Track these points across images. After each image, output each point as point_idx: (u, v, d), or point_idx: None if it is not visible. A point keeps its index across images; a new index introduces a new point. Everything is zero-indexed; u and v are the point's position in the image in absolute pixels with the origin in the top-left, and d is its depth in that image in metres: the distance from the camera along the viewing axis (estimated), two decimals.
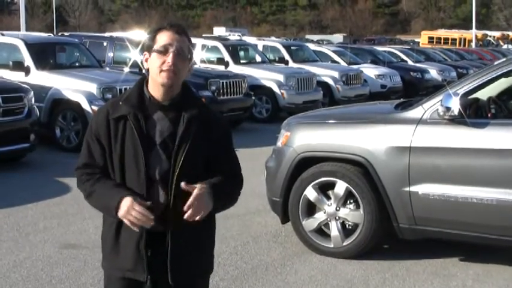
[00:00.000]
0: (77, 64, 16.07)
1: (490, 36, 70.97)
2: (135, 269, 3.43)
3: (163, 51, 3.34)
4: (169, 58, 3.32)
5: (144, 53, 3.49)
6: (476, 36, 62.13)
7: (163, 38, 3.37)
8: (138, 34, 19.98)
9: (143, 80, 3.48)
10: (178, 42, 3.36)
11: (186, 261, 3.45)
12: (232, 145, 3.61)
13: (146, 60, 3.44)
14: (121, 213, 3.30)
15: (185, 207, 3.25)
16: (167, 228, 3.39)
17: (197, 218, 3.28)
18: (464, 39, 64.67)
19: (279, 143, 7.92)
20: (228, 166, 3.54)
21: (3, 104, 11.34)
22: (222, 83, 17.03)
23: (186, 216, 3.25)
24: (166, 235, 3.40)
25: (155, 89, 3.41)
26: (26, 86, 12.34)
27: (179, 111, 3.41)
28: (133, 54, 16.63)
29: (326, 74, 22.24)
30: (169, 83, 3.35)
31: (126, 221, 3.31)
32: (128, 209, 3.27)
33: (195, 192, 3.26)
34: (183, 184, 3.28)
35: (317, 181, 7.40)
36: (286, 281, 6.68)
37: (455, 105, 6.58)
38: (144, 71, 3.49)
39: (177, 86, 3.41)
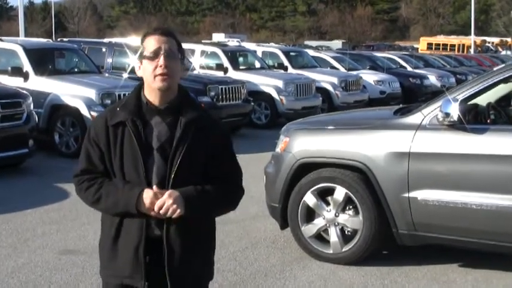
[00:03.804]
0: (76, 70, 16.07)
1: (489, 43, 71.08)
2: (133, 276, 3.42)
3: (154, 56, 3.34)
4: (160, 61, 3.32)
5: (137, 61, 3.48)
6: (475, 42, 62.22)
7: (151, 42, 3.37)
8: (137, 40, 19.95)
9: (140, 85, 3.48)
10: (167, 44, 3.36)
11: (183, 267, 3.44)
12: (232, 150, 3.59)
13: (139, 68, 3.44)
14: (147, 206, 3.30)
15: (152, 213, 3.30)
16: (163, 234, 3.38)
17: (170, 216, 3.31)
18: (463, 45, 64.78)
19: (278, 149, 7.91)
20: (225, 173, 3.53)
21: (2, 110, 11.34)
22: (221, 88, 17.04)
23: (153, 213, 3.31)
24: (162, 241, 3.39)
25: (152, 94, 3.41)
26: (24, 91, 12.34)
27: (176, 115, 3.41)
28: (132, 60, 16.61)
29: (325, 80, 22.25)
30: (165, 86, 3.35)
31: (152, 213, 3.31)
32: (152, 200, 3.29)
33: (162, 198, 3.29)
34: (154, 187, 3.31)
35: (316, 187, 7.39)
36: (285, 287, 6.67)
37: (454, 111, 6.57)
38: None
39: (173, 89, 3.41)
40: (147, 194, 3.29)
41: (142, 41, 3.42)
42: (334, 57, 27.17)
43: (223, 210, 3.61)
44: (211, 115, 3.58)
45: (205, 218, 3.54)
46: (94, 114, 12.82)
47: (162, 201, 3.27)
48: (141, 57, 3.40)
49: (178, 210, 3.28)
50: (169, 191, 3.29)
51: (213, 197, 3.44)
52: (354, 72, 24.69)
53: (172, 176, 3.34)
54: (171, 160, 3.35)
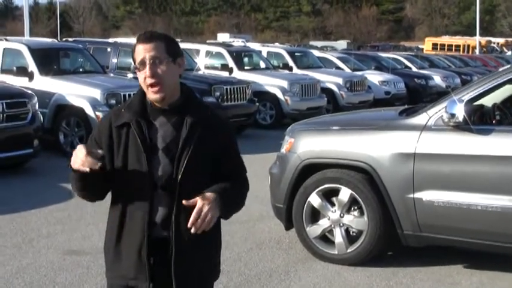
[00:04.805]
0: (81, 70, 16.07)
1: (494, 43, 70.94)
2: (138, 277, 3.40)
3: (141, 67, 3.33)
4: (147, 71, 3.31)
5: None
6: (480, 42, 62.13)
7: (138, 52, 3.35)
8: None
9: None
10: (151, 51, 3.32)
11: (190, 268, 3.42)
12: (237, 149, 3.59)
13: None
14: (72, 159, 3.29)
15: (189, 224, 3.23)
16: (171, 235, 3.36)
17: (204, 229, 3.27)
18: (468, 45, 64.64)
19: (283, 150, 7.90)
20: (233, 170, 3.53)
21: (7, 110, 11.35)
22: (226, 89, 17.04)
23: (192, 231, 3.24)
24: (170, 241, 3.37)
25: (152, 99, 3.40)
26: (29, 91, 12.34)
27: (182, 115, 3.39)
28: None
29: (330, 80, 22.24)
30: (159, 98, 3.34)
31: (77, 167, 3.28)
32: (74, 154, 3.27)
33: (197, 206, 3.24)
34: (184, 202, 3.26)
35: (321, 188, 7.38)
36: None
37: (460, 111, 6.56)
38: None
39: (170, 92, 3.38)
40: (78, 148, 3.27)
41: (133, 51, 3.41)
42: (339, 58, 27.17)
43: (240, 207, 3.59)
44: (216, 113, 3.57)
45: None
46: (99, 114, 12.84)
47: (198, 209, 3.23)
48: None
49: (214, 218, 3.29)
50: (201, 197, 3.25)
51: (236, 195, 3.48)
52: (359, 73, 24.68)
53: (180, 176, 3.33)
54: (177, 160, 3.34)
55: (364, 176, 7.15)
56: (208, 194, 3.29)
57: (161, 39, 3.38)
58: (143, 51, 3.32)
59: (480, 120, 6.94)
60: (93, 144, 3.45)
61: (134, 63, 3.39)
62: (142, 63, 3.32)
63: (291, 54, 24.20)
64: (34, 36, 39.07)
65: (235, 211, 3.56)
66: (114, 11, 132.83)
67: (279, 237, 8.21)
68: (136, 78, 14.31)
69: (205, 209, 3.24)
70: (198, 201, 3.25)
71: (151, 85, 3.31)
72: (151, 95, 3.33)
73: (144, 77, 3.32)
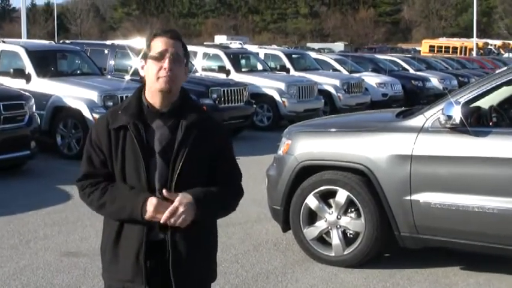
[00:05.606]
0: (78, 72, 16.05)
1: (491, 45, 71.00)
2: (135, 280, 3.40)
3: (159, 57, 3.33)
4: (165, 64, 3.31)
5: (140, 60, 3.47)
6: (477, 44, 62.17)
7: (159, 44, 3.36)
8: (140, 42, 19.92)
9: (141, 88, 3.46)
10: (174, 47, 3.35)
11: (188, 269, 3.42)
12: (233, 153, 3.59)
13: (142, 68, 3.44)
14: (150, 215, 3.28)
15: (161, 220, 3.27)
16: (167, 237, 3.36)
17: (173, 224, 3.29)
18: (466, 47, 64.68)
19: (280, 151, 7.91)
20: (228, 173, 3.53)
21: (4, 112, 11.34)
22: (223, 91, 17.03)
23: (162, 221, 3.28)
24: (167, 244, 3.37)
25: (153, 96, 3.39)
26: (27, 93, 12.34)
27: (178, 118, 3.39)
28: (135, 62, 16.61)
29: (327, 82, 22.25)
30: (167, 88, 3.33)
31: (156, 220, 3.29)
32: (155, 209, 3.27)
33: (173, 205, 3.26)
34: (164, 191, 3.28)
35: (318, 189, 7.38)
36: None
37: (456, 113, 6.57)
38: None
39: (175, 92, 3.40)
40: (151, 202, 3.27)
41: (151, 40, 3.41)
42: (336, 60, 27.19)
43: (226, 212, 3.61)
44: (212, 117, 3.57)
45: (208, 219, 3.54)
46: (96, 116, 12.81)
47: (174, 208, 3.25)
48: (146, 56, 3.39)
49: (187, 220, 3.28)
50: (180, 197, 3.27)
51: (219, 200, 3.44)
52: (356, 75, 24.73)
53: (175, 179, 3.33)
54: (172, 163, 3.34)
55: (361, 178, 7.16)
56: (188, 196, 3.30)
57: (183, 43, 3.44)
58: (166, 44, 3.34)
59: (477, 122, 6.96)
60: (95, 149, 3.44)
61: (145, 56, 3.39)
62: (162, 55, 3.32)
63: (288, 56, 24.21)
64: (31, 38, 39.13)
65: (219, 216, 3.59)
66: (111, 12, 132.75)
67: (276, 239, 8.21)
68: (133, 80, 14.35)
69: (181, 210, 3.26)
70: (177, 199, 3.27)
71: (165, 77, 3.31)
72: (161, 84, 3.32)
73: (158, 68, 3.32)
